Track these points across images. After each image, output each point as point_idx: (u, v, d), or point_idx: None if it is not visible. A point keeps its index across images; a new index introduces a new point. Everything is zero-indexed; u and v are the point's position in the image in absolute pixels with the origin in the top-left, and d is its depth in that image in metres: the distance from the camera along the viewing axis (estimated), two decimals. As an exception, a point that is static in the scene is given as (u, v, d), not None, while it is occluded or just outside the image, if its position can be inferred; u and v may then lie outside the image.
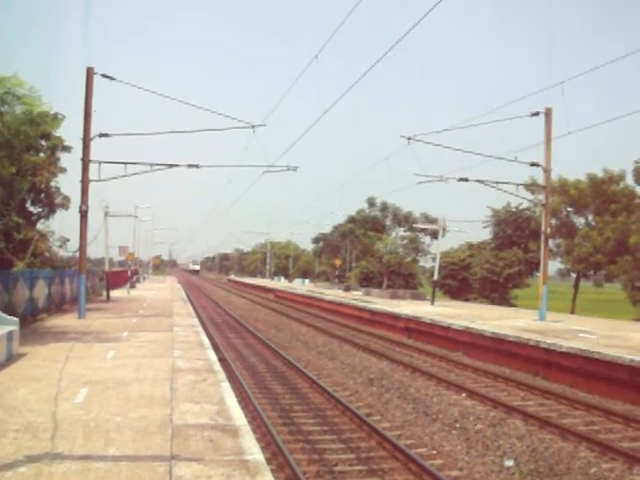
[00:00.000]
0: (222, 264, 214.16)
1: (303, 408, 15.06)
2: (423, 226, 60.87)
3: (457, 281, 63.12)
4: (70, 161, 30.36)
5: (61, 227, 32.28)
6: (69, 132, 29.99)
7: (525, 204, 56.88)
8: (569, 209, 54.96)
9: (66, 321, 25.20)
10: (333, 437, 12.51)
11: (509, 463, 10.94)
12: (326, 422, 13.72)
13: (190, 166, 27.58)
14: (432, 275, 46.12)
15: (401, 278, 65.04)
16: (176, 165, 27.45)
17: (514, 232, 60.59)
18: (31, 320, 24.24)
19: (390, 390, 17.18)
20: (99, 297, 41.84)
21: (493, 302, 54.72)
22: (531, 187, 40.79)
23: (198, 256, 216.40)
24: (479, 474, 10.57)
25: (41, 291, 26.89)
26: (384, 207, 75.06)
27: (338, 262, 74.23)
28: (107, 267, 43.94)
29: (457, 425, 13.54)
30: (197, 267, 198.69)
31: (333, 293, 55.03)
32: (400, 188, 43.46)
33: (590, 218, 54.75)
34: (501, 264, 58.17)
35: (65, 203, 30.77)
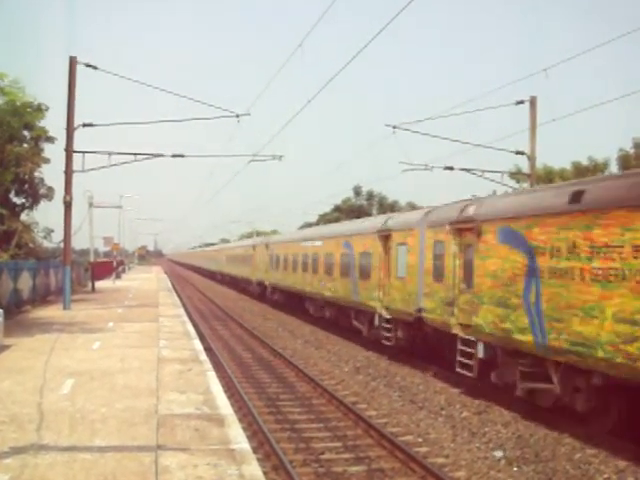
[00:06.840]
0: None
1: (289, 397, 15.09)
2: (409, 215, 60.90)
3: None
4: (54, 152, 30.12)
5: (45, 218, 32.16)
6: (53, 122, 29.74)
7: (510, 192, 57.11)
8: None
9: (51, 312, 25.07)
10: (320, 425, 12.55)
11: (499, 454, 10.94)
12: (312, 411, 13.76)
13: (175, 156, 27.44)
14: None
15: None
16: (160, 155, 27.31)
17: (499, 220, 60.87)
18: (16, 312, 24.10)
19: (376, 378, 17.23)
20: (84, 288, 41.63)
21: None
22: (516, 175, 40.82)
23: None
24: (465, 461, 10.65)
25: (25, 282, 26.73)
26: (370, 196, 74.98)
27: (325, 251, 74.03)
28: (92, 258, 43.84)
29: (443, 413, 13.61)
30: None
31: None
32: (386, 177, 43.55)
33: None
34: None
35: (49, 194, 30.53)
